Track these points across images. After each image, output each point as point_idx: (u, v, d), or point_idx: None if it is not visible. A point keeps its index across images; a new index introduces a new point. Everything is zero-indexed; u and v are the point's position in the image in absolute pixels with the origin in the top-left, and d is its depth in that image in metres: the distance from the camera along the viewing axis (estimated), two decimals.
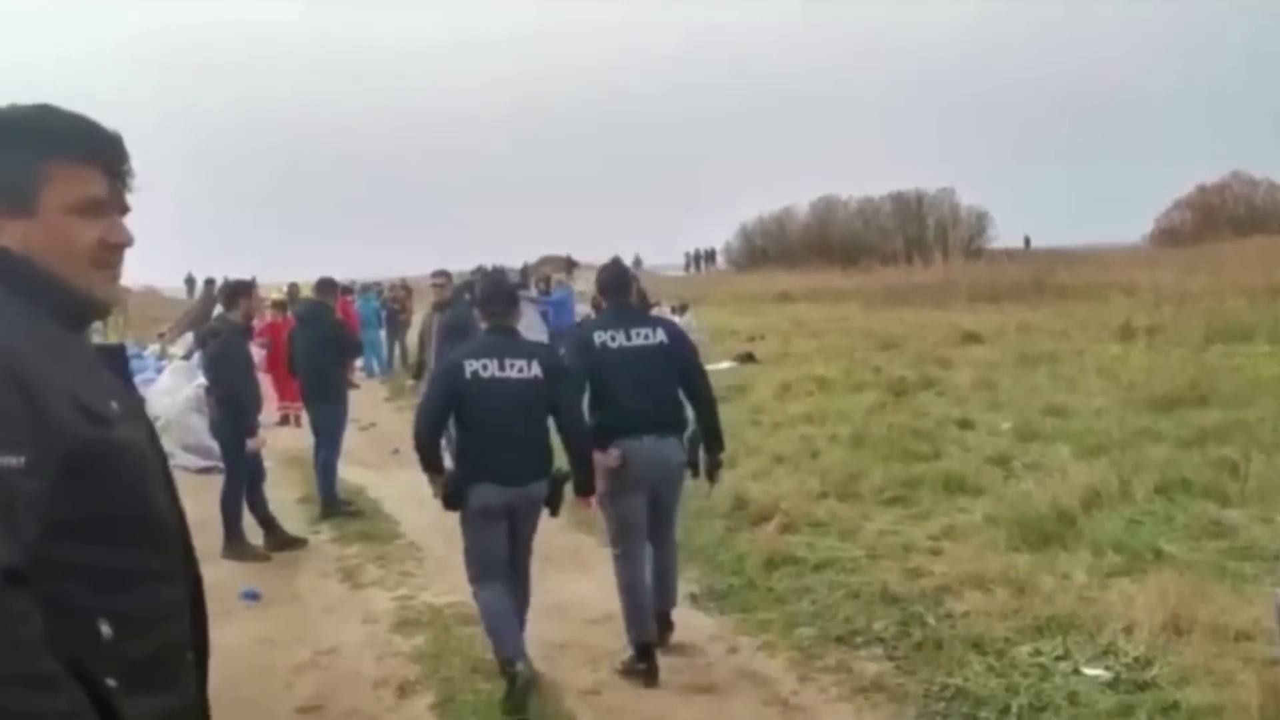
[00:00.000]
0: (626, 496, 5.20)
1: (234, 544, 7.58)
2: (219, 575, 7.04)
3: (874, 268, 44.38)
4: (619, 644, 5.44)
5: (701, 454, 5.48)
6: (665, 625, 5.48)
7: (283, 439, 11.81)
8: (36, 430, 1.41)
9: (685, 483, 5.57)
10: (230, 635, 5.83)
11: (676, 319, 24.67)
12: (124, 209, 1.64)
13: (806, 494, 7.95)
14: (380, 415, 14.69)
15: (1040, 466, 8.22)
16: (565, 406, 4.96)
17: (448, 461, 5.13)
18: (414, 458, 5.13)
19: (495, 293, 5.26)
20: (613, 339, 5.23)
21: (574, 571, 6.60)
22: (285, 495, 9.54)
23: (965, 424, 10.36)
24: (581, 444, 5.02)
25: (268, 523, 7.87)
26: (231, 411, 7.71)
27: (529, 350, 5.07)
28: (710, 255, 64.51)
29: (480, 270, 22.64)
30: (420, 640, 5.63)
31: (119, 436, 1.55)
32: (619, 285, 5.60)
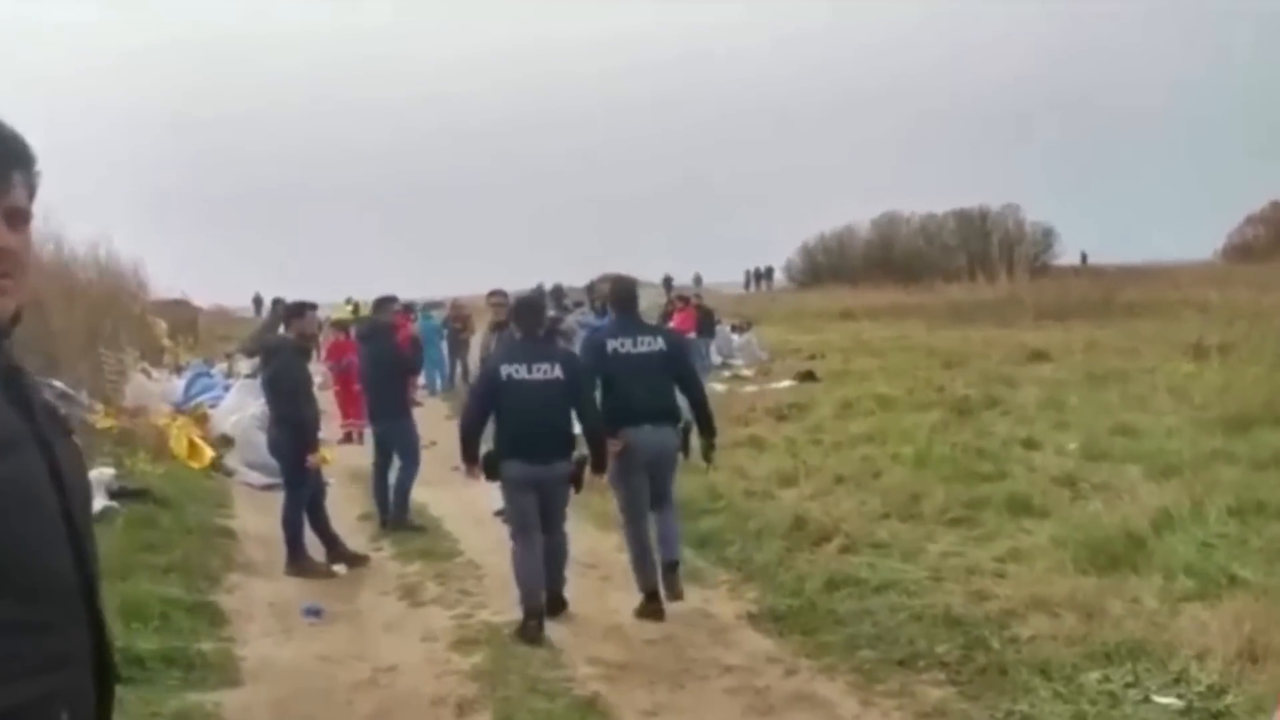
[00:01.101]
0: (631, 476, 6.32)
1: (297, 561, 7.66)
2: (282, 591, 7.15)
3: (937, 285, 43.98)
4: (678, 666, 5.42)
5: (696, 440, 6.63)
6: (672, 572, 6.37)
7: (345, 456, 11.94)
8: None
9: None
10: (291, 651, 5.92)
11: (736, 337, 24.69)
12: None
13: (868, 514, 7.85)
14: (441, 433, 14.70)
15: (1109, 487, 8.03)
16: (583, 402, 6.19)
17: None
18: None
19: (526, 309, 6.60)
20: (622, 345, 6.37)
21: (632, 591, 6.57)
22: (346, 511, 9.63)
23: (1031, 444, 10.17)
24: (596, 432, 6.20)
25: (330, 540, 7.93)
26: (289, 430, 7.81)
27: (553, 355, 6.35)
28: (769, 273, 64.27)
29: (539, 288, 22.76)
30: (479, 658, 5.63)
31: None
32: (628, 300, 6.73)
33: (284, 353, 8.02)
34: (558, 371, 6.11)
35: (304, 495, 7.82)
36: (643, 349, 6.37)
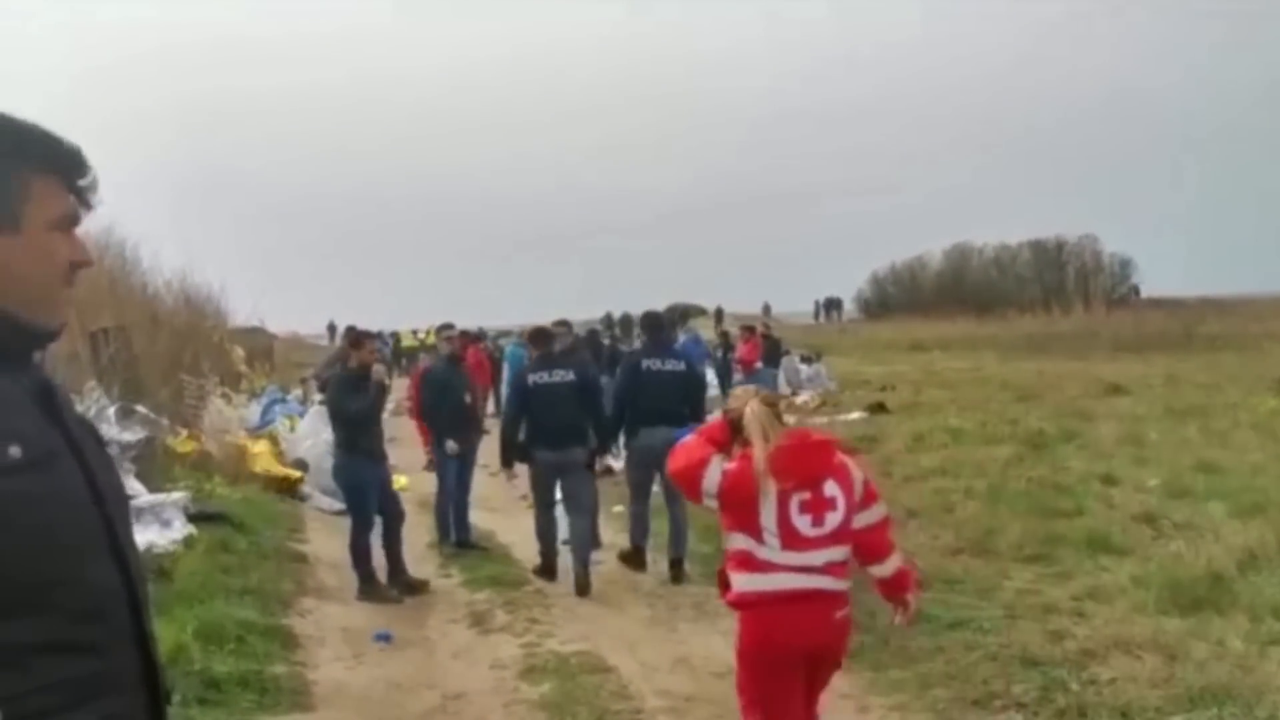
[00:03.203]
0: (639, 469, 8.07)
1: (366, 587, 7.73)
2: (354, 617, 7.21)
3: (1010, 316, 43.37)
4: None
5: None
6: (678, 568, 7.79)
7: (421, 484, 12.05)
8: None
9: None
10: (362, 677, 5.96)
11: (805, 368, 24.54)
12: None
13: (940, 549, 7.73)
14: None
15: (1191, 526, 7.83)
16: (592, 402, 8.06)
17: None
18: None
19: (537, 336, 8.54)
20: (653, 365, 8.09)
21: (701, 623, 6.53)
22: (417, 539, 9.72)
23: (1109, 480, 9.94)
24: (600, 424, 8.08)
25: (395, 566, 7.97)
26: (349, 456, 7.96)
27: (570, 363, 8.14)
28: (838, 303, 63.90)
29: (608, 317, 22.91)
30: (546, 688, 5.63)
31: (20, 487, 1.34)
32: (657, 326, 8.67)
33: (335, 382, 8.26)
34: (572, 376, 7.94)
35: (368, 521, 7.88)
36: (669, 368, 8.10)
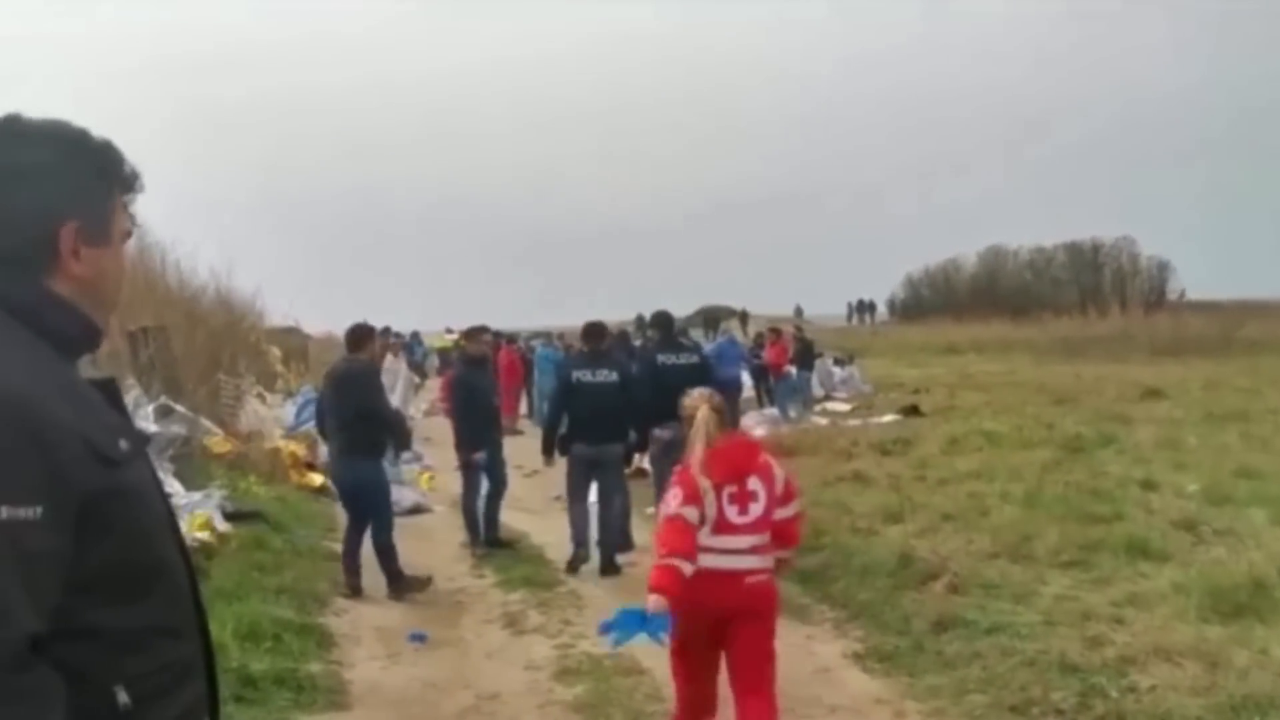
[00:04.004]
0: (665, 461, 7.82)
1: (396, 584, 7.79)
2: (389, 617, 7.25)
3: (1045, 319, 43.00)
4: (781, 704, 5.33)
5: None
6: None
7: (453, 485, 12.10)
8: (51, 479, 1.30)
9: None
10: (397, 676, 5.99)
11: (838, 370, 24.43)
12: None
13: (976, 554, 7.65)
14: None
15: (1232, 532, 7.72)
16: (632, 400, 8.29)
17: None
18: None
19: (591, 331, 8.79)
20: (668, 359, 8.69)
21: None
22: (449, 539, 9.77)
23: (1148, 485, 9.82)
24: (639, 423, 8.35)
25: (352, 567, 7.95)
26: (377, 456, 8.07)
27: (611, 363, 8.60)
28: (871, 306, 63.62)
29: (640, 319, 22.90)
30: (580, 689, 5.63)
31: (130, 479, 1.43)
32: (669, 324, 9.23)
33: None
34: (614, 376, 8.39)
35: (389, 520, 7.92)
36: (684, 361, 8.70)
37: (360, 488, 7.92)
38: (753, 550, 4.21)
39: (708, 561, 4.10)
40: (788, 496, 4.38)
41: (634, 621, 3.90)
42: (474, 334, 10.19)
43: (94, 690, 1.35)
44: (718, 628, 4.20)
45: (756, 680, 4.21)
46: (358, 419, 7.80)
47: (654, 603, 3.86)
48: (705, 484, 4.14)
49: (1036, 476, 10.28)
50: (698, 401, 4.39)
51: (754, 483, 4.23)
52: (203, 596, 1.61)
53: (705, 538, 4.12)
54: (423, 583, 7.90)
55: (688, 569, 3.97)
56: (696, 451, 4.21)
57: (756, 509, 4.21)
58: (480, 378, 9.64)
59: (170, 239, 16.06)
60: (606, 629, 3.98)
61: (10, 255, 1.44)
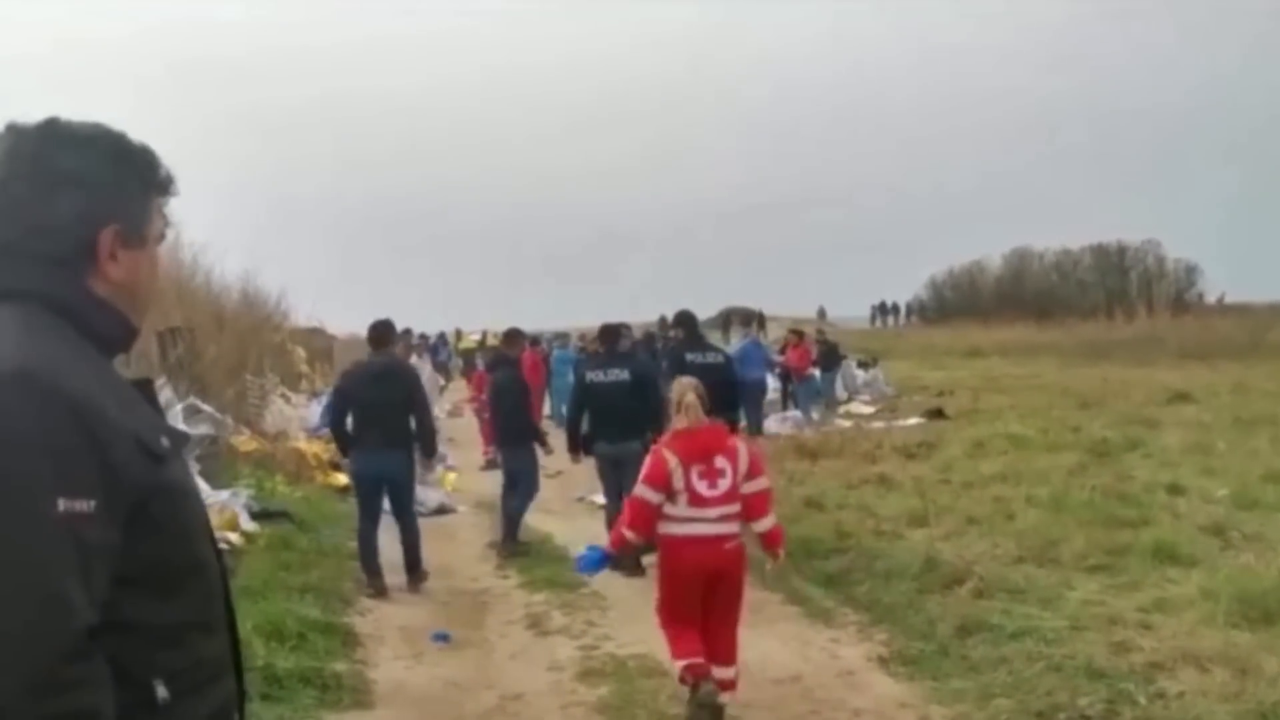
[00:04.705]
0: None
1: (415, 573, 8.02)
2: (413, 617, 7.28)
3: (1070, 322, 42.74)
4: (805, 707, 5.34)
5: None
6: None
7: (478, 484, 12.16)
8: (105, 473, 1.34)
9: None
10: (421, 676, 6.01)
11: (862, 373, 24.35)
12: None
13: (1001, 558, 7.61)
14: (567, 463, 14.88)
15: (1261, 538, 7.65)
16: (650, 397, 8.21)
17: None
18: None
19: (606, 332, 9.26)
20: (695, 358, 8.53)
21: (759, 629, 6.49)
22: (474, 539, 9.81)
23: (1176, 489, 9.74)
24: (658, 418, 7.68)
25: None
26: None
27: (625, 363, 8.82)
28: (895, 308, 63.38)
29: (663, 319, 22.91)
30: (604, 691, 5.63)
31: (172, 476, 1.47)
32: (693, 323, 9.24)
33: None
34: (626, 375, 8.56)
35: (414, 514, 8.20)
36: (710, 360, 8.66)
37: (393, 481, 7.99)
38: (723, 519, 5.03)
39: (690, 530, 5.01)
40: (754, 472, 5.13)
41: (594, 560, 5.27)
42: (512, 337, 10.26)
43: (134, 684, 1.37)
44: (703, 585, 5.06)
45: (731, 618, 5.18)
46: (397, 413, 7.89)
47: (606, 550, 5.25)
48: (674, 461, 4.99)
49: (1062, 480, 10.22)
50: (684, 388, 5.21)
51: (720, 461, 5.04)
52: (232, 595, 1.63)
53: (682, 509, 5.01)
54: (425, 574, 8.12)
55: (637, 539, 5.18)
56: (678, 425, 5.16)
57: (724, 483, 5.02)
58: (514, 380, 9.71)
59: (198, 240, 16.15)
60: (580, 565, 5.44)
61: (55, 257, 1.47)
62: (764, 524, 5.22)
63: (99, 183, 1.49)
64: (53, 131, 1.50)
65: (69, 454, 1.31)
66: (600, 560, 5.24)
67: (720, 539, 5.02)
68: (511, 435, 9.37)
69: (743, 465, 5.07)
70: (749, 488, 5.09)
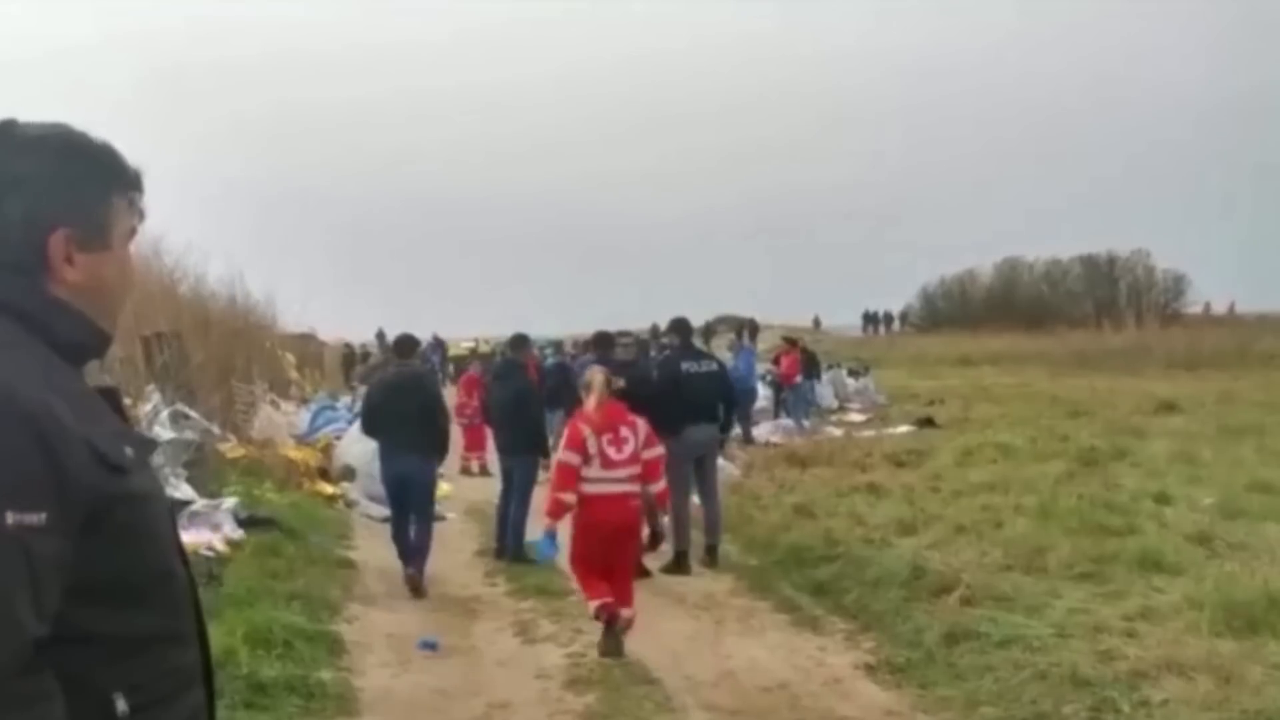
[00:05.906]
0: (680, 463, 8.24)
1: (411, 567, 8.14)
2: (400, 624, 7.26)
3: (1060, 332, 42.84)
4: (792, 715, 5.34)
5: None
6: (714, 554, 8.59)
7: (465, 491, 12.14)
8: (57, 484, 1.30)
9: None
10: (408, 684, 6.00)
11: (853, 381, 24.39)
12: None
13: (989, 566, 7.62)
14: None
15: (1246, 546, 7.68)
16: (633, 406, 8.00)
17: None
18: None
19: (599, 340, 9.54)
20: (690, 367, 8.80)
21: (747, 637, 6.51)
22: (463, 546, 9.79)
23: (1162, 498, 9.77)
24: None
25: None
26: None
27: (623, 372, 8.25)
28: (887, 317, 63.50)
29: (655, 328, 22.97)
30: (591, 699, 5.62)
31: (136, 486, 1.43)
32: (688, 331, 9.40)
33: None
34: (621, 383, 8.53)
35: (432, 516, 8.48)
36: (704, 369, 8.92)
37: (413, 482, 8.34)
38: (629, 479, 6.26)
39: (601, 489, 6.19)
40: (650, 443, 6.40)
41: (546, 543, 6.35)
42: (518, 343, 10.30)
43: (92, 696, 1.35)
44: (611, 536, 6.25)
45: (627, 566, 6.50)
46: (417, 420, 8.24)
47: (547, 525, 6.31)
48: (588, 431, 6.19)
49: (1050, 489, 10.23)
50: (595, 373, 6.49)
51: (625, 431, 6.28)
52: (201, 604, 1.61)
53: (596, 472, 6.17)
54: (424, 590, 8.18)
55: (571, 499, 6.18)
56: (589, 404, 6.33)
57: (628, 449, 6.25)
58: (525, 386, 9.74)
59: (184, 244, 16.10)
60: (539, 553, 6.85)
61: (9, 264, 1.43)
62: (657, 486, 6.54)
63: (45, 186, 1.44)
64: (4, 135, 1.46)
65: (19, 465, 1.28)
66: (550, 539, 6.32)
67: (626, 496, 6.26)
68: (522, 444, 9.31)
69: (641, 436, 6.32)
70: (648, 454, 6.34)
